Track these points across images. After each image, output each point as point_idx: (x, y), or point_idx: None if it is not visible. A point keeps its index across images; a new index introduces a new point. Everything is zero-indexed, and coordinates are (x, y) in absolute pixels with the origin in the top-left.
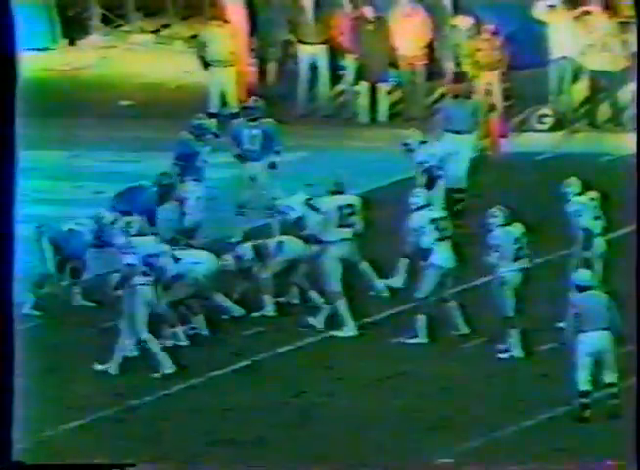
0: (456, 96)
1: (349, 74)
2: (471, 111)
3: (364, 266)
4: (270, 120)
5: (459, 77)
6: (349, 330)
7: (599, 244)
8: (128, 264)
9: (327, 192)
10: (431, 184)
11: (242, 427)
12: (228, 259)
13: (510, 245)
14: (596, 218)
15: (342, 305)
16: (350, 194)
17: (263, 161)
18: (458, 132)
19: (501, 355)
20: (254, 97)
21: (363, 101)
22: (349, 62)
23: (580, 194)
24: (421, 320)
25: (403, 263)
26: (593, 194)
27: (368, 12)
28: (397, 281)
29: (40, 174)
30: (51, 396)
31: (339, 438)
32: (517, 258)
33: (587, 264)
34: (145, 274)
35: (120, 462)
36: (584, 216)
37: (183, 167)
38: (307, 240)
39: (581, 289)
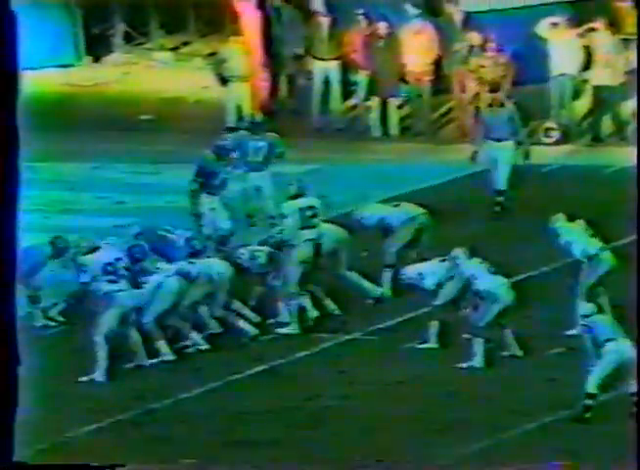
0: (490, 105)
1: (361, 90)
2: (506, 118)
3: (350, 274)
4: (274, 134)
5: (493, 87)
6: (293, 329)
7: (606, 259)
8: (82, 283)
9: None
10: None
11: (257, 429)
12: (243, 254)
13: (484, 269)
14: (592, 236)
15: (295, 305)
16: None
17: (267, 172)
18: (498, 140)
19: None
20: (257, 113)
21: (375, 115)
22: (361, 77)
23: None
24: (434, 326)
25: (387, 274)
26: (579, 223)
27: (382, 29)
28: (379, 290)
29: (63, 186)
30: (71, 398)
31: (352, 440)
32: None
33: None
34: (111, 281)
35: (116, 463)
36: (575, 245)
37: (201, 184)
38: (278, 247)
39: (586, 316)
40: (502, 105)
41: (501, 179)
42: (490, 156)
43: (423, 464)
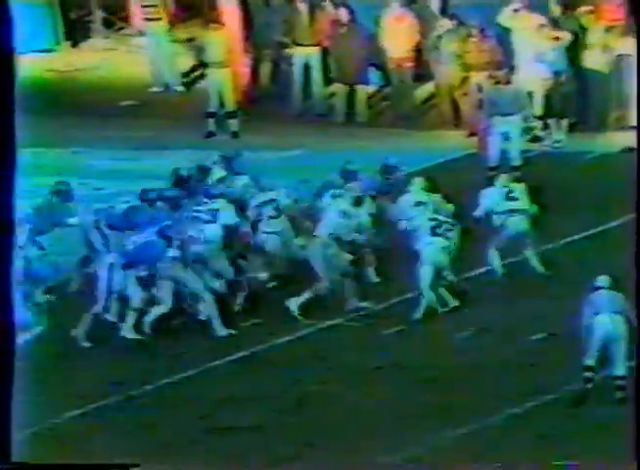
0: (497, 82)
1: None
2: (512, 95)
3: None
4: None
5: (498, 65)
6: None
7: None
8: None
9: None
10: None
11: (240, 414)
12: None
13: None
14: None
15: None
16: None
17: None
18: (505, 115)
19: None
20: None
21: (360, 101)
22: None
23: None
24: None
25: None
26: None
27: (343, 15)
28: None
29: (44, 171)
30: (54, 385)
31: (332, 424)
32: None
33: None
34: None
35: (125, 462)
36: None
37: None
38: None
39: (597, 288)
40: (508, 82)
41: (514, 154)
42: (498, 132)
43: (405, 449)
